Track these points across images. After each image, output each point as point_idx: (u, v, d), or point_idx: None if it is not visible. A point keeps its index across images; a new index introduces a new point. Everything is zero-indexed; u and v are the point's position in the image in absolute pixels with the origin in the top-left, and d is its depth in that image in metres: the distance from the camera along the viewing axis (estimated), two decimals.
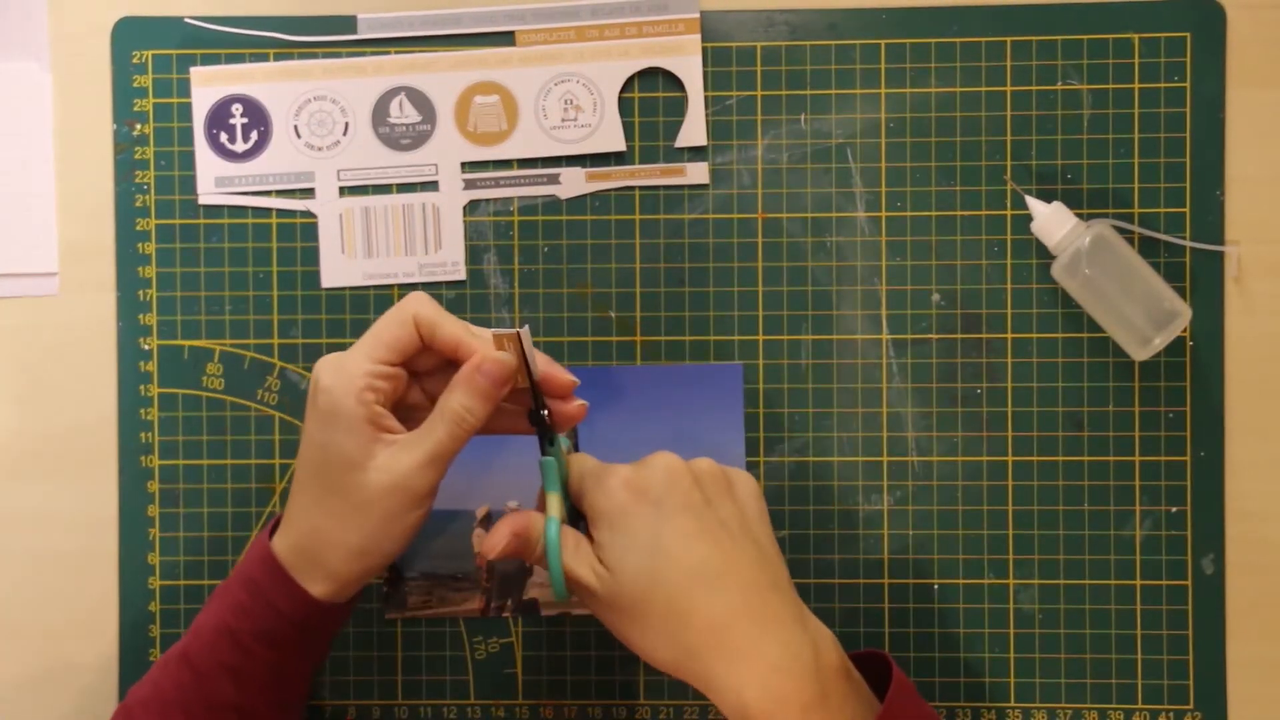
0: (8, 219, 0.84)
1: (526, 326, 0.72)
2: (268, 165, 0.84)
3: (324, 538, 0.72)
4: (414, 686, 0.84)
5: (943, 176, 0.83)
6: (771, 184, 0.83)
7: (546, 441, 0.73)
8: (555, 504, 0.72)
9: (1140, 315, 0.79)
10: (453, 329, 0.72)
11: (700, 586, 0.68)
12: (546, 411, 0.73)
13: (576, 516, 0.73)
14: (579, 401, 0.74)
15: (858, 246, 0.83)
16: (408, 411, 0.74)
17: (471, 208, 0.84)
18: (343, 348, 0.82)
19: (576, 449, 0.81)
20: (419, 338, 0.72)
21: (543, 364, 0.73)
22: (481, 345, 0.72)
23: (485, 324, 0.83)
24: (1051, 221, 0.79)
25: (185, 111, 0.84)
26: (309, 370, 0.83)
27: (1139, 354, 0.80)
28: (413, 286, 0.84)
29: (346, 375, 0.70)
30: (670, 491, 0.70)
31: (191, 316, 0.84)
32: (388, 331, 0.72)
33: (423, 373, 0.75)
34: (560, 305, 0.83)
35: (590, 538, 0.71)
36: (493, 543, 0.71)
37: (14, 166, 0.84)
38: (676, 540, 0.69)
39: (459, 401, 0.71)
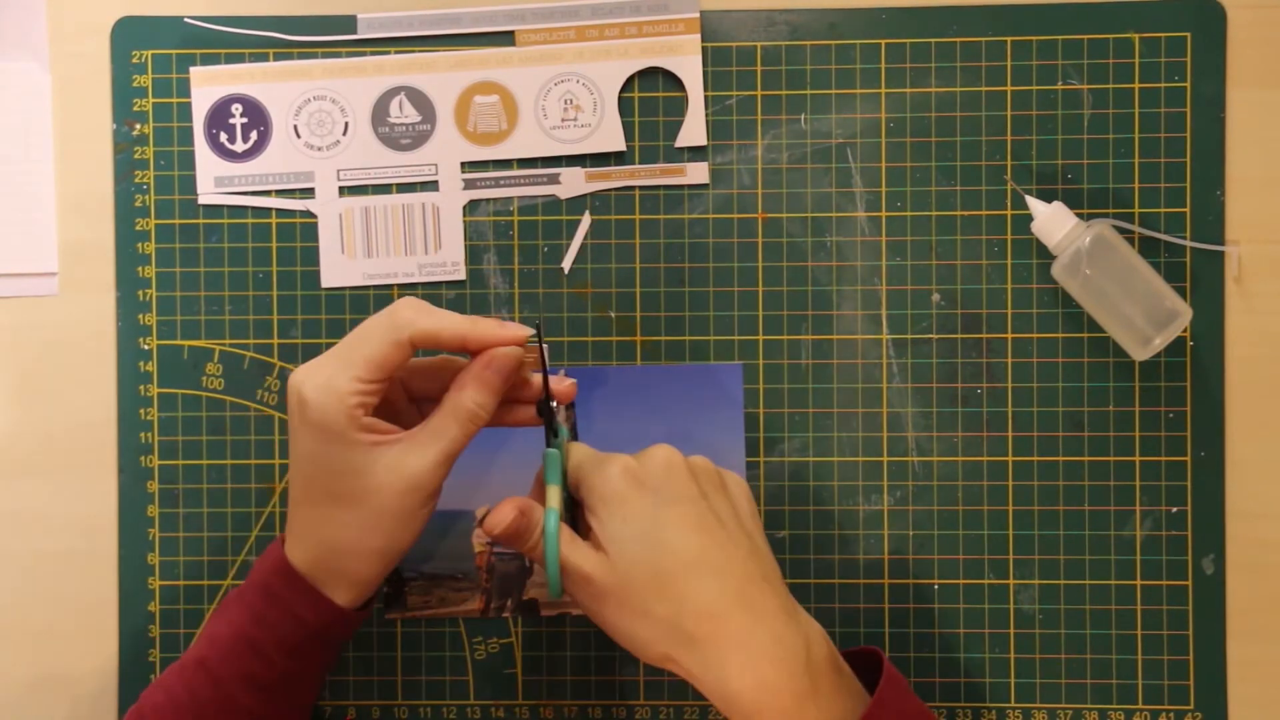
0: (8, 219, 0.84)
1: (539, 321, 0.72)
2: (267, 165, 0.84)
3: (343, 548, 0.72)
4: (414, 686, 0.84)
5: (943, 176, 0.83)
6: (771, 184, 0.83)
7: (552, 433, 0.73)
8: (555, 496, 0.72)
9: (1140, 315, 0.79)
10: (455, 328, 0.71)
11: (695, 574, 0.69)
12: (555, 402, 0.73)
13: (574, 511, 0.74)
14: (569, 380, 0.75)
15: (858, 246, 0.83)
16: (386, 406, 0.74)
17: (471, 208, 0.84)
18: None
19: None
20: (411, 353, 0.72)
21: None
22: (485, 333, 0.72)
23: None
24: (1052, 222, 0.79)
25: (185, 111, 0.84)
26: None
27: (1139, 354, 0.80)
28: (413, 286, 0.83)
29: (336, 395, 0.70)
30: (668, 481, 0.71)
31: (191, 316, 0.84)
32: (379, 352, 0.70)
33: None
34: (560, 305, 0.83)
35: (587, 526, 0.72)
36: (497, 518, 0.71)
37: (14, 166, 0.84)
38: (673, 528, 0.69)
39: (472, 399, 0.71)
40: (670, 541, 0.69)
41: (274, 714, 0.73)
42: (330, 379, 0.70)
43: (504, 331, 0.72)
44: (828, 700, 0.68)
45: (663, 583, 0.69)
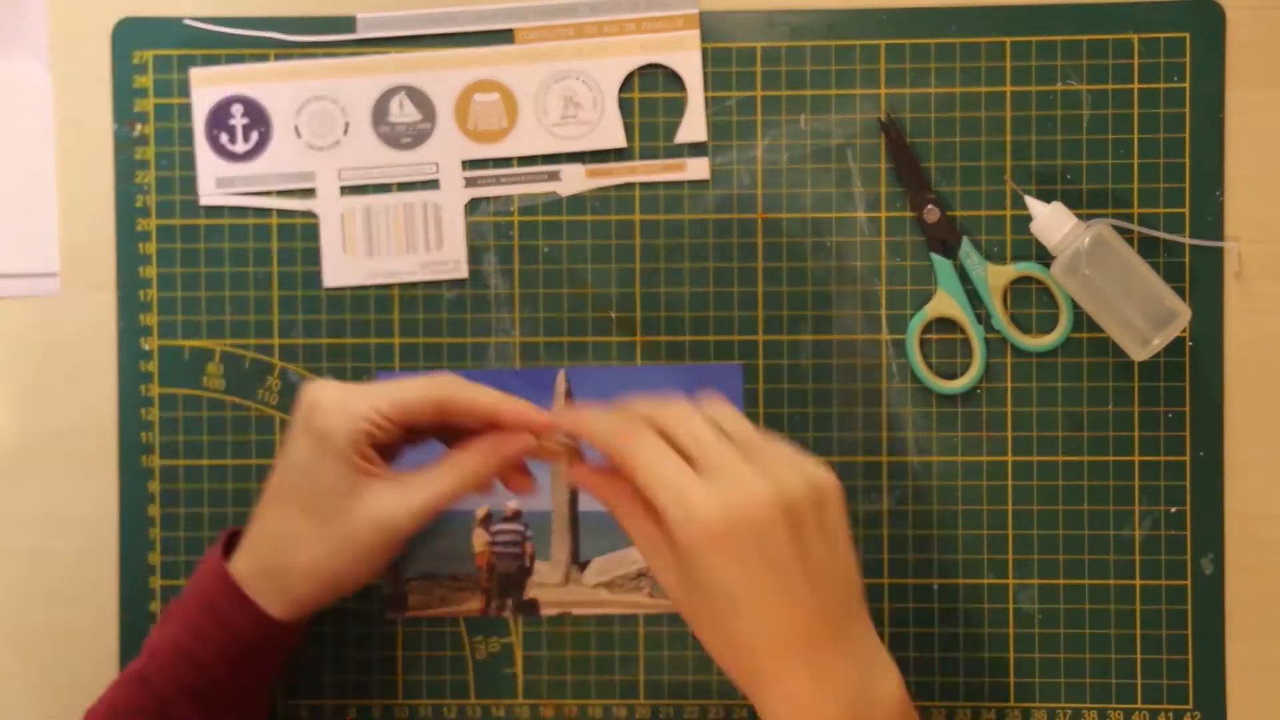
0: (8, 219, 0.84)
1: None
2: (268, 165, 0.84)
3: (291, 559, 0.72)
4: (414, 686, 0.84)
5: (943, 176, 0.83)
6: (771, 184, 0.83)
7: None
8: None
9: (1140, 315, 0.79)
10: (490, 403, 0.72)
11: (768, 645, 0.66)
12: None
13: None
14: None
15: (857, 246, 0.83)
16: (381, 447, 0.74)
17: (472, 206, 0.84)
18: (342, 348, 0.83)
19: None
20: (436, 415, 0.72)
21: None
22: (516, 414, 0.72)
23: (485, 325, 0.83)
24: (1051, 222, 0.79)
25: (185, 112, 0.84)
26: (310, 371, 0.83)
27: (1139, 354, 0.80)
28: (414, 285, 0.84)
29: (348, 412, 0.71)
30: (758, 545, 0.65)
31: (192, 317, 0.84)
32: (408, 399, 0.72)
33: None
34: (560, 305, 0.84)
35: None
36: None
37: (14, 166, 0.84)
38: (753, 602, 0.66)
39: (474, 465, 0.72)
40: (746, 615, 0.65)
41: None
42: (348, 397, 0.71)
43: (532, 416, 0.72)
44: None
45: (730, 639, 0.67)
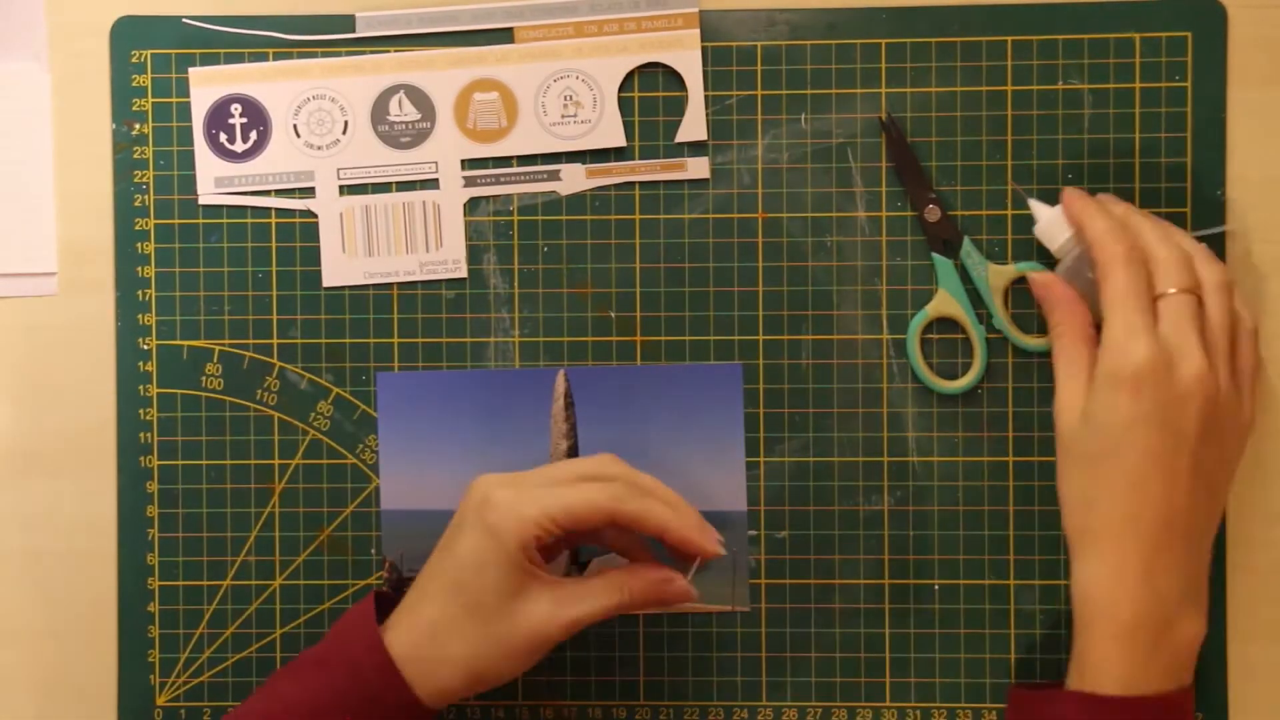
0: (7, 219, 0.84)
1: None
2: (267, 165, 0.83)
3: (446, 651, 0.71)
4: None
5: (943, 176, 0.82)
6: (771, 184, 0.83)
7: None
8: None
9: None
10: (659, 519, 0.71)
11: (1120, 516, 0.72)
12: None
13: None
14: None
15: (858, 246, 0.83)
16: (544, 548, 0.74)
17: (472, 206, 0.84)
18: (341, 348, 0.83)
19: (576, 450, 0.82)
20: (603, 526, 0.72)
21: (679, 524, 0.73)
22: (685, 533, 0.72)
23: (485, 325, 0.83)
24: (1054, 226, 0.79)
25: (184, 111, 0.84)
26: (308, 370, 0.83)
27: None
28: (414, 285, 0.83)
29: (521, 516, 0.70)
30: (1167, 414, 0.71)
31: (190, 316, 0.84)
32: (579, 510, 0.71)
33: None
34: (560, 305, 0.83)
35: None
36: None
37: (13, 166, 0.84)
38: (1134, 464, 0.72)
39: (634, 591, 0.72)
40: (1121, 468, 0.72)
41: None
42: (521, 499, 0.71)
43: (702, 537, 0.72)
44: (1161, 660, 0.72)
45: (1092, 491, 0.73)
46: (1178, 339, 0.72)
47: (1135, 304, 0.73)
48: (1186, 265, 0.74)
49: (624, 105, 0.83)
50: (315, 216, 0.84)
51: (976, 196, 0.82)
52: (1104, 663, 0.71)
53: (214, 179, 0.84)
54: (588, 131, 0.83)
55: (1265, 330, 0.82)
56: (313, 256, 0.84)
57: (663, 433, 0.83)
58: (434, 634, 0.71)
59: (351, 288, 0.84)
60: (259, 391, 0.84)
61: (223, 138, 0.84)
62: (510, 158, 0.84)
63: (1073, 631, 0.74)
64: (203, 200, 0.84)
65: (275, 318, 0.84)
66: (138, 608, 0.84)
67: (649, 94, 0.83)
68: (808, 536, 0.83)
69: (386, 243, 0.83)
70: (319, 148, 0.84)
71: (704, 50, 0.83)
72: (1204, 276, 0.75)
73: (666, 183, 0.83)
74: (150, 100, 0.84)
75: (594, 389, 0.83)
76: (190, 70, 0.84)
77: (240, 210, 0.84)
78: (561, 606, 0.71)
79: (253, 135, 0.84)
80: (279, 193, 0.84)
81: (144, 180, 0.84)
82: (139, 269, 0.84)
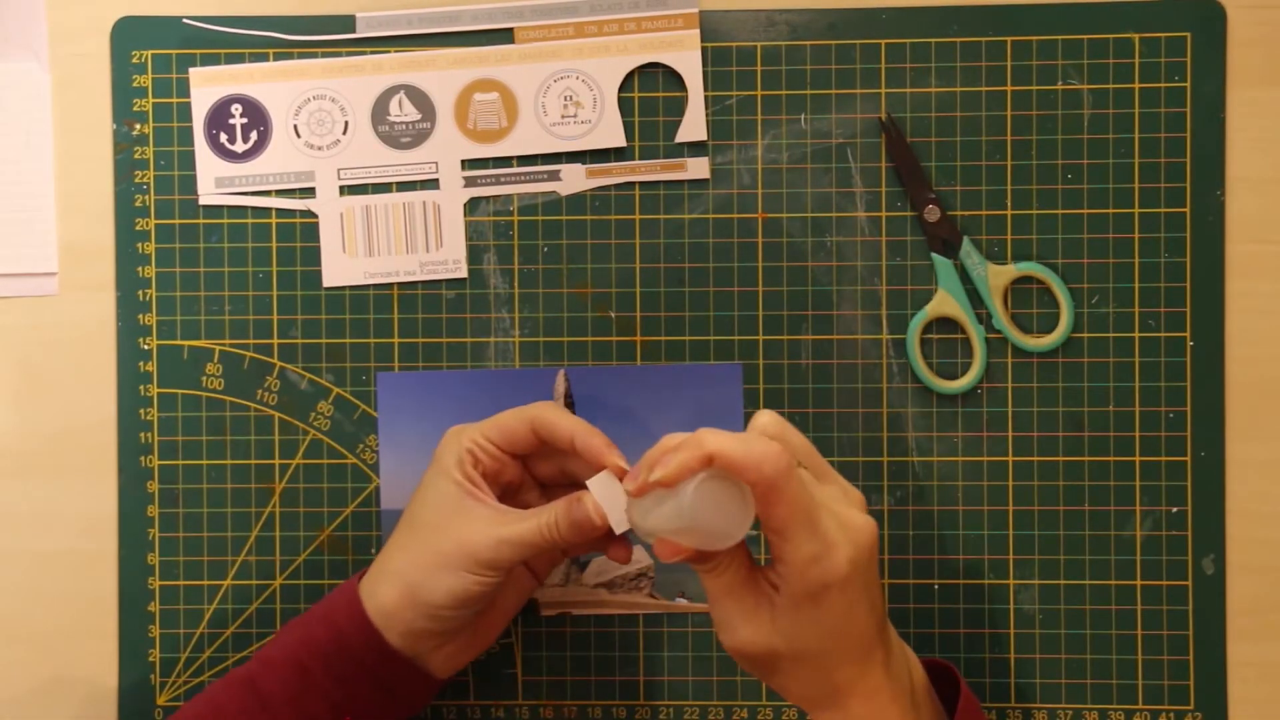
0: (7, 219, 0.84)
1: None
2: (268, 165, 0.84)
3: (385, 564, 0.74)
4: None
5: (943, 176, 0.82)
6: (771, 184, 0.83)
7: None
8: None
9: None
10: (568, 427, 0.73)
11: (854, 650, 0.67)
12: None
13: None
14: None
15: (857, 246, 0.83)
16: (508, 488, 0.76)
17: (472, 206, 0.84)
18: (341, 348, 0.83)
19: None
20: (535, 438, 0.74)
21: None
22: (590, 445, 0.72)
23: (485, 324, 0.83)
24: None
25: (185, 111, 0.84)
26: (308, 370, 0.83)
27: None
28: (414, 285, 0.83)
29: (459, 440, 0.74)
30: (872, 566, 0.67)
31: (191, 316, 0.84)
32: (506, 422, 0.74)
33: (538, 462, 0.77)
34: (560, 305, 0.83)
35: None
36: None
37: (13, 166, 0.84)
38: (858, 617, 0.66)
39: (558, 512, 0.72)
40: (852, 633, 0.67)
41: None
42: (464, 429, 0.75)
43: (607, 450, 0.72)
44: None
45: (823, 662, 0.67)
46: (843, 492, 0.70)
47: (818, 491, 0.67)
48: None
49: (624, 105, 0.83)
50: (315, 216, 0.84)
51: (976, 196, 0.82)
52: None
53: (214, 179, 0.84)
54: (588, 132, 0.83)
55: (1265, 330, 0.82)
56: (313, 256, 0.84)
57: (662, 432, 0.82)
58: (382, 557, 0.75)
59: (352, 288, 0.84)
60: (259, 391, 0.84)
61: (223, 138, 0.84)
62: (510, 158, 0.84)
63: None
64: (203, 200, 0.84)
65: (275, 318, 0.84)
66: (138, 608, 0.84)
67: (649, 94, 0.83)
68: None
69: (387, 243, 0.83)
70: (319, 148, 0.84)
71: (704, 50, 0.83)
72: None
73: (666, 183, 0.83)
74: (151, 100, 0.84)
75: (594, 389, 0.83)
76: (191, 70, 0.84)
77: (241, 210, 0.84)
78: (494, 526, 0.72)
79: (253, 135, 0.84)
80: (279, 193, 0.84)
81: (144, 180, 0.84)
82: (139, 269, 0.84)
